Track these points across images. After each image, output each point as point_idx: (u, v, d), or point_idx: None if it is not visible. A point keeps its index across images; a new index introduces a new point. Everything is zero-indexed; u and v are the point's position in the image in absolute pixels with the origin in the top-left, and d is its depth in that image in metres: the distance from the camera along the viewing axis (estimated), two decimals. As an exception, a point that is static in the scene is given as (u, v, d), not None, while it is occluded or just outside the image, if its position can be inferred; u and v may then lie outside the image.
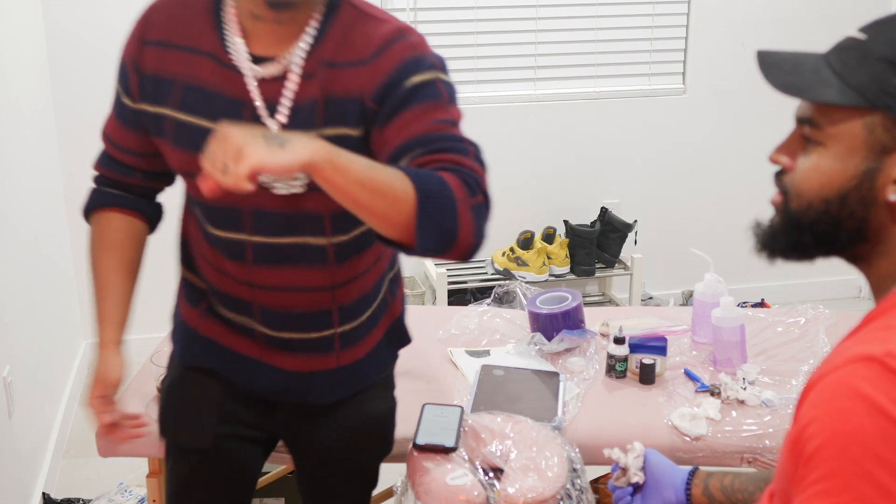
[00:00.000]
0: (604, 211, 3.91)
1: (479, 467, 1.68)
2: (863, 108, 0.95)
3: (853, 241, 0.99)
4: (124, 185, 1.59)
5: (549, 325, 2.17)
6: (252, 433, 1.66)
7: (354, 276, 1.54)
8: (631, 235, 3.91)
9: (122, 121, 1.52)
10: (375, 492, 2.06)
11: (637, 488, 1.49)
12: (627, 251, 3.93)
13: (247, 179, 1.11)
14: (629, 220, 3.89)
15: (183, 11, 1.42)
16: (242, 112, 1.38)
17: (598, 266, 3.89)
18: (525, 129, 3.91)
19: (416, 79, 1.33)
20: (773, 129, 4.10)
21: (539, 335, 2.18)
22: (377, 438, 1.71)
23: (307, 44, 1.37)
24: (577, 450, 1.72)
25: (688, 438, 1.86)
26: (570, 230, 3.86)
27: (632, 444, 1.52)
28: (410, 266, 3.95)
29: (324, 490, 1.72)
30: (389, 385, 1.73)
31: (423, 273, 3.92)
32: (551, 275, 3.84)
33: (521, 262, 3.80)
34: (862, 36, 0.98)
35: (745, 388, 1.98)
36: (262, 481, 2.41)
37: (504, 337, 2.29)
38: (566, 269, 3.86)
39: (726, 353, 2.10)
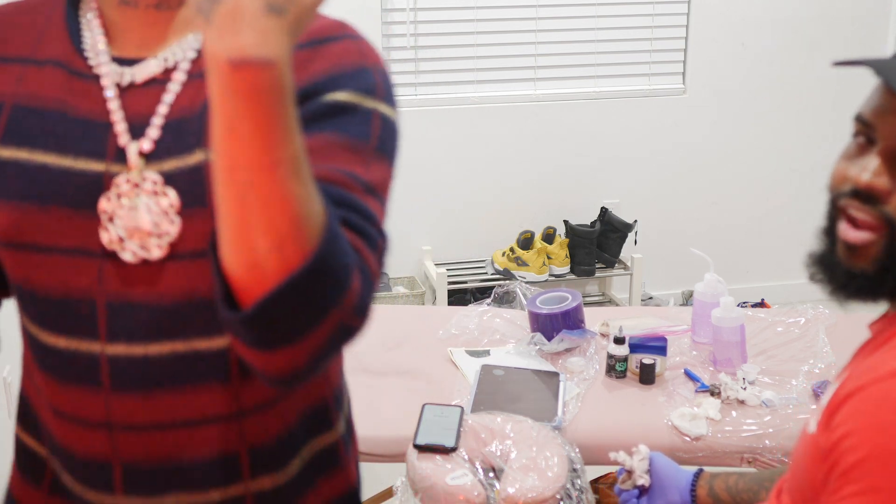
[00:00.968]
0: (604, 211, 3.91)
1: (479, 467, 1.68)
2: None
3: None
4: None
5: (549, 325, 2.17)
6: None
7: (273, 397, 0.99)
8: (631, 235, 3.91)
9: None
10: (375, 492, 2.06)
11: (643, 491, 1.49)
12: (627, 251, 3.93)
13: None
14: (629, 220, 3.89)
15: (19, 18, 1.01)
16: (98, 133, 0.95)
17: (598, 266, 3.89)
18: (525, 129, 3.91)
19: (343, 96, 0.93)
20: (773, 130, 4.13)
21: (539, 335, 2.18)
22: None
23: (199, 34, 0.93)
24: (577, 450, 1.72)
25: (688, 438, 1.86)
26: (570, 230, 3.86)
27: (637, 446, 1.52)
28: (410, 266, 3.95)
29: None
30: None
31: (423, 273, 3.91)
32: (551, 275, 3.84)
33: (521, 262, 3.80)
34: None
35: (745, 388, 1.98)
36: None
37: (504, 337, 2.29)
38: (566, 269, 3.86)
39: (726, 353, 2.10)
